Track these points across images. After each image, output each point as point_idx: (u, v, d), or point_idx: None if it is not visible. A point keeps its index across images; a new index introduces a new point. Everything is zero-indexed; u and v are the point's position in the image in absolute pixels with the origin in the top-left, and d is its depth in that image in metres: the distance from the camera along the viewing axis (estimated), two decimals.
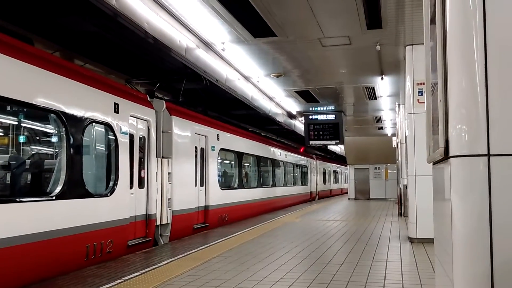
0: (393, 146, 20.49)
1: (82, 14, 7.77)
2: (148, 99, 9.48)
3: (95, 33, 8.62)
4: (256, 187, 17.13)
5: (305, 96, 14.94)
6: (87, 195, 6.99)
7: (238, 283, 5.50)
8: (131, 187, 8.32)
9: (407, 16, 7.74)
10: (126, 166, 8.13)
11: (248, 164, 17.09)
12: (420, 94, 8.83)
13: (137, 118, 8.70)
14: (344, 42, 9.25)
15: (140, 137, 8.85)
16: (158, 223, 9.26)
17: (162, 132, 9.69)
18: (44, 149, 7.58)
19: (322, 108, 16.68)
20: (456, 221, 2.16)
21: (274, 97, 15.02)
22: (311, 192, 27.76)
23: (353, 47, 9.55)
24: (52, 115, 6.47)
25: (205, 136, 12.02)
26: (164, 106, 9.76)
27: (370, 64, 11.09)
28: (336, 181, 38.67)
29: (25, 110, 6.37)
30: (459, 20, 2.19)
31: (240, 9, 7.58)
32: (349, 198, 27.45)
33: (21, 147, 6.95)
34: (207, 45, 9.35)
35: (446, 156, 2.31)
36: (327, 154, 37.51)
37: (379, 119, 20.01)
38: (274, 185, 19.55)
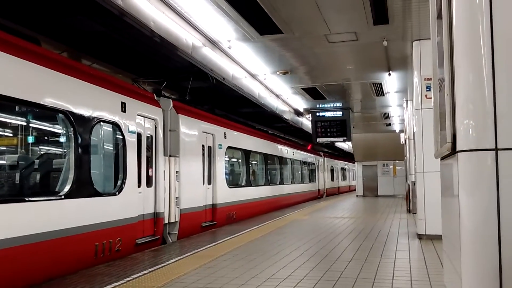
0: (401, 143, 20.37)
1: (89, 14, 7.81)
2: (155, 98, 9.50)
3: (102, 33, 8.66)
4: (264, 185, 17.13)
5: (312, 93, 14.90)
6: (96, 194, 7.03)
7: (246, 281, 5.51)
8: (139, 186, 8.36)
9: (414, 10, 7.68)
10: (134, 165, 8.17)
11: (255, 162, 17.09)
12: (428, 89, 8.78)
13: (144, 117, 8.73)
14: (351, 38, 9.21)
15: (147, 136, 8.88)
16: (166, 221, 9.29)
17: (169, 130, 9.71)
18: (53, 149, 7.64)
19: (329, 105, 16.64)
20: (464, 216, 2.15)
21: (281, 94, 15.00)
22: (318, 189, 27.72)
23: (360, 43, 9.50)
24: (60, 115, 6.50)
25: (212, 134, 12.03)
26: (171, 105, 9.78)
27: (377, 60, 11.03)
28: (344, 178, 38.58)
29: (33, 110, 6.41)
30: (465, 15, 2.17)
31: (246, 7, 7.58)
32: (357, 195, 27.35)
33: (30, 147, 7.00)
34: (213, 43, 9.35)
35: (453, 151, 2.30)
36: (334, 151, 37.42)
37: (386, 116, 19.91)
38: (281, 182, 19.53)
